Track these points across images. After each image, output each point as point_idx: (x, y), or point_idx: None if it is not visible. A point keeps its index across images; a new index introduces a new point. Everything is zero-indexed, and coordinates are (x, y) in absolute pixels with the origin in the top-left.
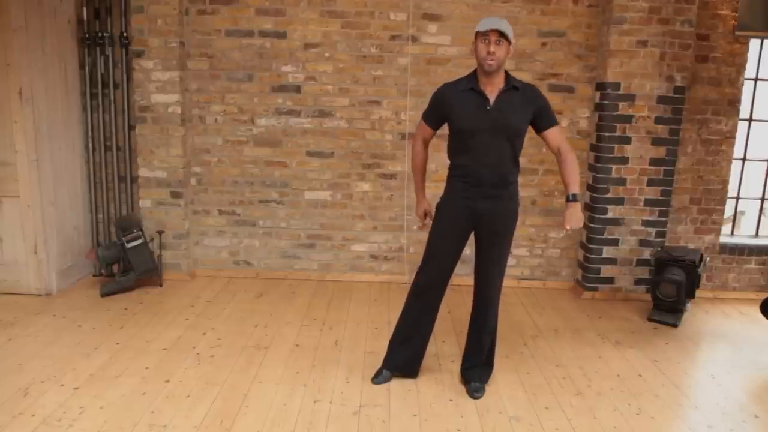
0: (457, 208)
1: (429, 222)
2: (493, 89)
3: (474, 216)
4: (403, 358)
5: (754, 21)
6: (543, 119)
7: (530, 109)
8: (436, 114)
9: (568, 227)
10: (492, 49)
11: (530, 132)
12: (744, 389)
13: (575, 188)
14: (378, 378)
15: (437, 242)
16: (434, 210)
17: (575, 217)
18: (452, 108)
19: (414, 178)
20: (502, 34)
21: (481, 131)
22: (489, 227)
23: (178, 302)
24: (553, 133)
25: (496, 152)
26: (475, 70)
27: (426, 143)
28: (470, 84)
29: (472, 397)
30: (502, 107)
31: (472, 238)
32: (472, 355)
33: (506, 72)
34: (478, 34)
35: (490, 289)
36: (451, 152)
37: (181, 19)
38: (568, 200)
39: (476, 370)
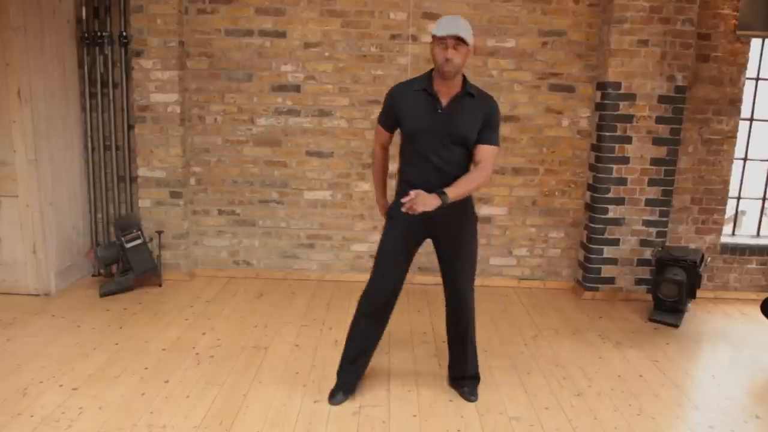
0: (406, 215)
1: None
2: (447, 93)
3: (424, 223)
4: (354, 377)
5: (755, 20)
6: (484, 133)
7: (480, 119)
8: (388, 116)
9: (406, 199)
10: (449, 55)
11: (530, 132)
12: (745, 389)
13: (450, 190)
14: (335, 398)
15: (387, 251)
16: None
17: (422, 199)
18: (402, 108)
19: (374, 184)
20: (460, 39)
21: (429, 135)
22: (444, 234)
23: (177, 302)
24: (484, 150)
25: (445, 158)
26: (431, 70)
27: (384, 147)
28: (424, 85)
29: (468, 400)
30: (454, 113)
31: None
32: (457, 365)
33: (464, 77)
34: (435, 37)
35: (463, 296)
36: (401, 155)
37: (181, 18)
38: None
39: (465, 381)
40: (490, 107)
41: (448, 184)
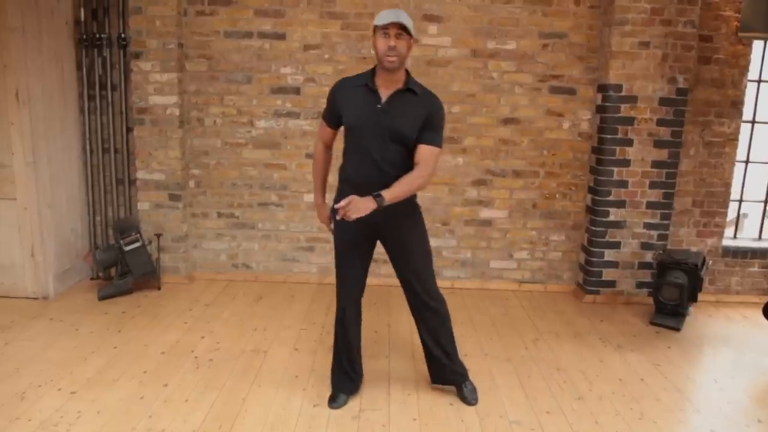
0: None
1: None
2: (388, 88)
3: (368, 223)
4: (355, 378)
5: (757, 22)
6: (426, 133)
7: (422, 118)
8: (331, 111)
9: (339, 205)
10: (392, 43)
11: (530, 134)
12: (747, 393)
13: (386, 192)
14: (336, 402)
15: (341, 254)
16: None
17: (355, 204)
18: (343, 103)
19: (313, 182)
20: (402, 27)
21: (366, 130)
22: (389, 237)
23: (176, 306)
24: (423, 150)
25: (384, 156)
26: (375, 67)
27: (327, 145)
28: (365, 80)
29: (468, 404)
30: (393, 108)
31: None
32: (440, 371)
33: (407, 72)
34: (376, 28)
35: (428, 293)
36: (344, 152)
37: (180, 20)
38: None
39: (460, 381)
40: (433, 106)
41: (388, 182)
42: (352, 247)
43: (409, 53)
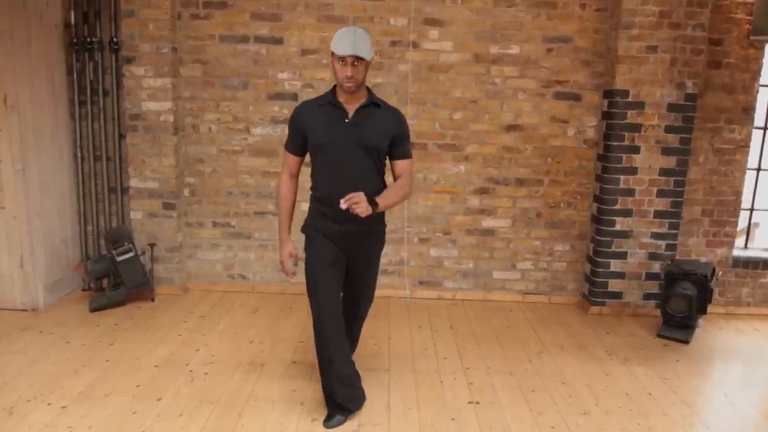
0: (324, 229)
1: (295, 269)
2: (353, 104)
3: (340, 237)
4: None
5: None
6: (399, 147)
7: (390, 133)
8: (295, 138)
9: (349, 195)
10: (350, 73)
11: (534, 142)
12: (758, 408)
13: (380, 199)
14: (332, 421)
15: (316, 270)
16: (304, 237)
17: (356, 199)
18: (307, 123)
19: (279, 216)
20: (359, 57)
21: (338, 146)
22: (357, 251)
23: (170, 317)
24: (402, 164)
25: (357, 169)
26: (335, 86)
27: (293, 175)
28: (328, 98)
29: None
30: (361, 122)
31: None
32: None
33: (368, 88)
34: (334, 54)
35: (360, 310)
36: (313, 175)
37: (174, 23)
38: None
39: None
40: (399, 120)
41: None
42: (327, 265)
43: (367, 72)
